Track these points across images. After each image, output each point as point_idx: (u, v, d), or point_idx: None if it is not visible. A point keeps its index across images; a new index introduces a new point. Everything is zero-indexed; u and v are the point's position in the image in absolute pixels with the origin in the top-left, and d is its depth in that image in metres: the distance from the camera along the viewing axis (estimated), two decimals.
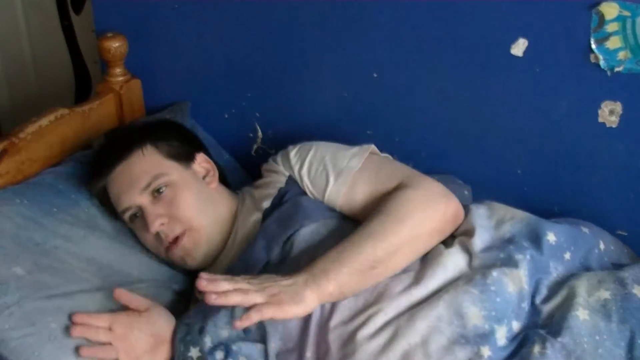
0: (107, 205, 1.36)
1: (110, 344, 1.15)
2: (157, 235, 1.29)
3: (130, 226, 1.35)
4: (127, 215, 1.32)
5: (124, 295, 1.19)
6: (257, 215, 1.29)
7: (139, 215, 1.30)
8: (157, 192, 1.29)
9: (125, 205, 1.30)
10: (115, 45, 1.51)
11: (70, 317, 1.15)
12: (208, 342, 1.16)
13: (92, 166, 1.38)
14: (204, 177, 1.36)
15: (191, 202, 1.29)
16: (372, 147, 1.29)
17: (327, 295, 1.09)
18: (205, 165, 1.38)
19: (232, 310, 1.16)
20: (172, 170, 1.31)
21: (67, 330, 1.15)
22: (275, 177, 1.32)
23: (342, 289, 1.09)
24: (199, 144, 1.43)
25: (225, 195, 1.38)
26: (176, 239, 1.28)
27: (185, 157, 1.35)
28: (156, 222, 1.27)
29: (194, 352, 1.15)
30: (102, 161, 1.35)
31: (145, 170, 1.30)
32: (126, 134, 1.41)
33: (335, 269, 1.09)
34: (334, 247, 1.12)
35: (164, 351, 1.18)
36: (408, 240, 1.13)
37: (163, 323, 1.20)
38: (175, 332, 1.18)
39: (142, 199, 1.29)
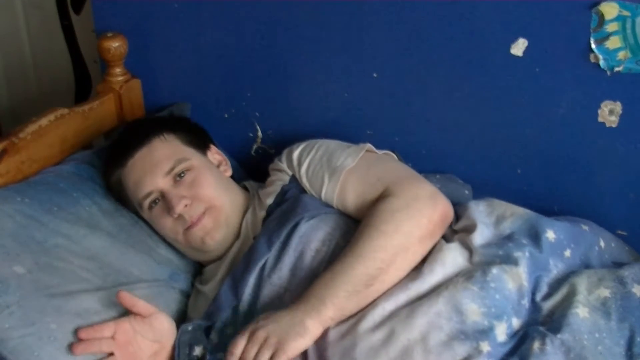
0: (119, 197, 1.37)
1: (112, 353, 1.15)
2: (179, 217, 1.30)
3: (146, 215, 1.35)
4: (147, 202, 1.32)
5: (127, 298, 1.17)
6: (262, 213, 1.31)
7: (159, 201, 1.32)
8: (178, 177, 1.31)
9: (147, 190, 1.31)
10: (115, 45, 1.51)
11: (75, 332, 1.14)
12: (215, 339, 1.18)
13: (110, 155, 1.40)
14: (218, 166, 1.41)
15: (212, 182, 1.33)
16: (368, 145, 1.30)
17: (329, 320, 1.11)
18: (218, 157, 1.43)
19: (235, 308, 1.20)
20: (192, 156, 1.35)
21: (66, 331, 1.14)
22: (279, 176, 1.34)
23: (342, 311, 1.11)
24: (209, 138, 1.47)
25: (237, 187, 1.41)
26: (198, 219, 1.30)
27: (201, 145, 1.40)
28: (181, 203, 1.28)
29: (197, 350, 1.17)
30: (120, 149, 1.37)
31: (168, 155, 1.33)
32: (143, 124, 1.43)
33: (331, 294, 1.11)
34: (327, 270, 1.14)
35: (164, 357, 1.19)
36: (399, 252, 1.13)
37: (166, 330, 1.20)
38: (177, 337, 1.19)
39: (164, 183, 1.31)
